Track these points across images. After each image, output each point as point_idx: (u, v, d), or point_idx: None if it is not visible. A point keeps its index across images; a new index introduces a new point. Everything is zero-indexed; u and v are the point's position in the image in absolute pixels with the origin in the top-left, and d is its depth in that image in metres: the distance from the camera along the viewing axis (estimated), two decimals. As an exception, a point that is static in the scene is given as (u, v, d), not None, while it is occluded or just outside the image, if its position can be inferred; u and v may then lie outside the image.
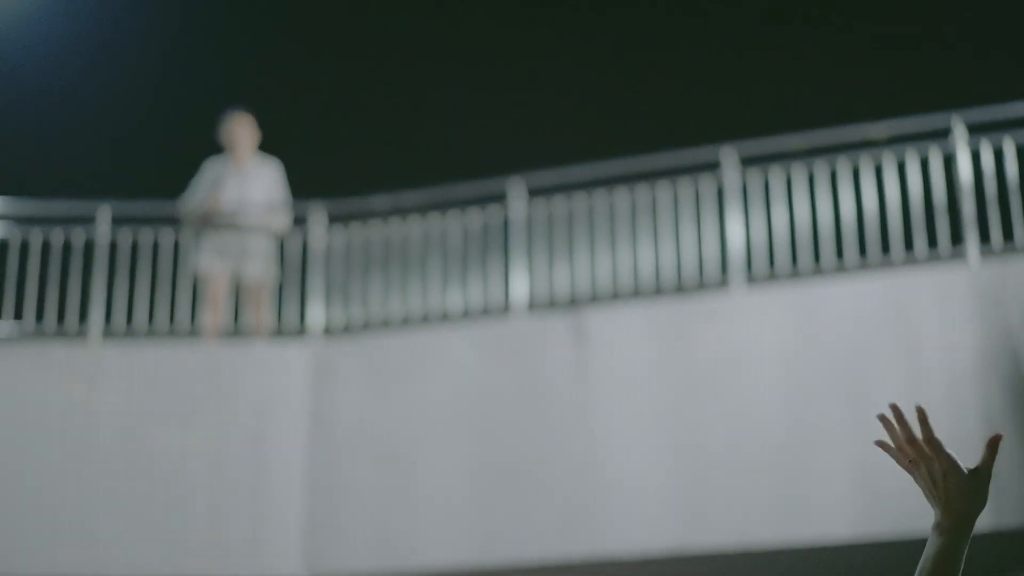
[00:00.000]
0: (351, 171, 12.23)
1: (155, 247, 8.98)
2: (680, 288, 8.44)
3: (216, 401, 8.44)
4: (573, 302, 8.57)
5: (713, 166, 8.52)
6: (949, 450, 1.97)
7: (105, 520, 8.12)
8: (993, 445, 1.96)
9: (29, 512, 8.13)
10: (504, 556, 7.85)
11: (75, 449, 8.25)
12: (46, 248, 8.90)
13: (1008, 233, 7.98)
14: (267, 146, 9.50)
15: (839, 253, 8.25)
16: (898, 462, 2.00)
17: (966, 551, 1.92)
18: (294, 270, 9.04)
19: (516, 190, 8.79)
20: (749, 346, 7.92)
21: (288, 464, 8.29)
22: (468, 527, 7.97)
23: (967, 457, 2.02)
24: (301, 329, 8.88)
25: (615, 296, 8.54)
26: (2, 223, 8.99)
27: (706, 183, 8.54)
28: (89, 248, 8.89)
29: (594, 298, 8.57)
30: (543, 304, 8.61)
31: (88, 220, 8.92)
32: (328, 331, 8.86)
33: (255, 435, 8.35)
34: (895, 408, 1.96)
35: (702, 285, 8.40)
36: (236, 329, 9.09)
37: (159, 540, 8.12)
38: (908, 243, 8.15)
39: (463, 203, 8.93)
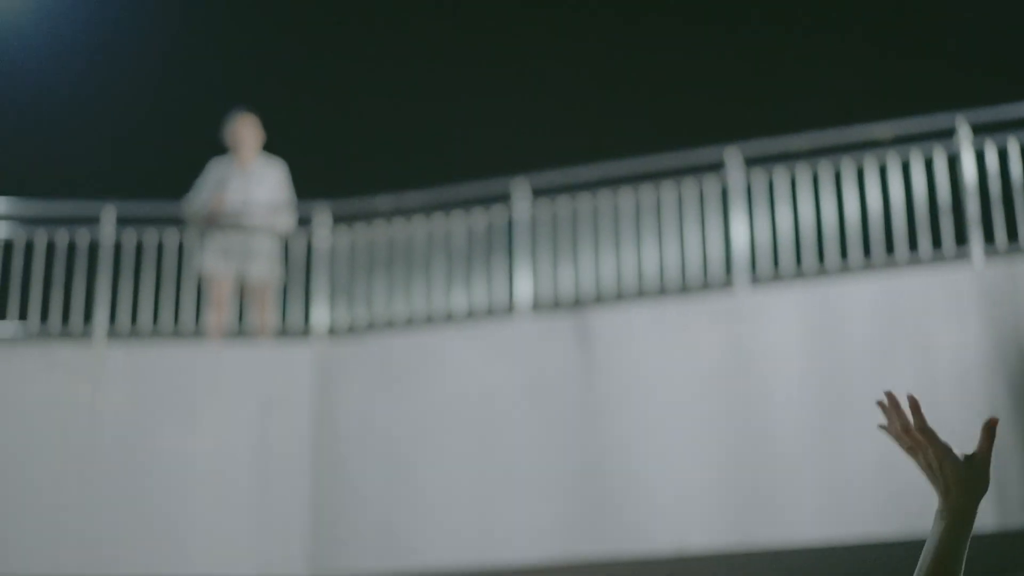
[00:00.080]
0: (355, 171, 12.24)
1: (159, 247, 8.99)
2: (684, 289, 8.44)
3: (220, 401, 8.45)
4: (577, 303, 8.57)
5: (717, 166, 8.52)
6: (943, 438, 1.99)
7: (109, 520, 8.13)
8: (989, 429, 1.98)
9: (33, 512, 8.14)
10: (507, 556, 7.85)
11: (79, 449, 8.26)
12: (51, 249, 8.90)
13: (1012, 233, 7.97)
14: (271, 146, 9.50)
15: (843, 253, 8.25)
16: (900, 446, 2.03)
17: (969, 536, 1.93)
18: (298, 270, 9.04)
19: (520, 190, 8.79)
20: (753, 346, 7.92)
21: (292, 464, 8.29)
22: (472, 527, 7.97)
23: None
24: (305, 330, 8.89)
25: (619, 297, 8.54)
26: (7, 224, 9.00)
27: (710, 183, 8.54)
28: (93, 248, 8.89)
29: (598, 299, 8.57)
30: (547, 305, 8.61)
31: (92, 221, 8.92)
32: (332, 332, 8.87)
33: (259, 435, 8.35)
34: (890, 396, 1.99)
35: (706, 286, 8.40)
36: (240, 329, 9.09)
37: (163, 540, 8.12)
38: (912, 243, 8.15)
39: (467, 203, 8.93)
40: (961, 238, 7.98)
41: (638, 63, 13.74)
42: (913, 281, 7.83)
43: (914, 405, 1.98)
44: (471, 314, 8.77)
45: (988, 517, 7.01)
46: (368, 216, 9.09)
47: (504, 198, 8.85)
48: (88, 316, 8.77)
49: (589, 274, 8.67)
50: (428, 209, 9.03)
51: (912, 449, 2.00)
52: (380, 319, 8.91)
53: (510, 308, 8.65)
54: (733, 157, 8.46)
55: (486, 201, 8.89)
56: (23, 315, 8.82)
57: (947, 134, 8.20)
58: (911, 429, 1.99)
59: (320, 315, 8.88)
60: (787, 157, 8.46)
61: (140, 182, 12.00)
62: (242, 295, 9.19)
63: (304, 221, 9.18)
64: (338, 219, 9.11)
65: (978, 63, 12.66)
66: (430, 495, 8.07)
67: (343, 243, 9.07)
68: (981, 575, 6.97)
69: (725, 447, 7.76)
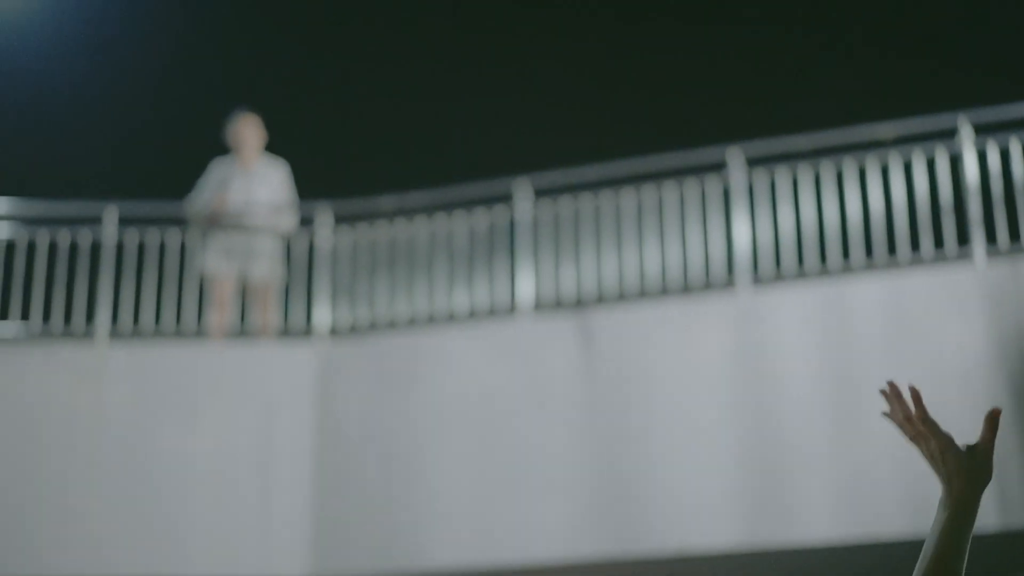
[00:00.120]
0: (357, 172, 12.24)
1: (162, 248, 8.99)
2: (686, 289, 8.44)
3: (222, 402, 8.45)
4: (579, 303, 8.57)
5: (719, 166, 8.52)
6: (945, 429, 1.99)
7: (111, 520, 8.13)
8: (992, 420, 1.99)
9: (35, 512, 8.14)
10: (510, 556, 7.85)
11: (82, 449, 8.26)
12: (53, 249, 8.91)
13: (1014, 233, 7.97)
14: (273, 147, 9.50)
15: (845, 254, 8.25)
16: (904, 435, 2.03)
17: (972, 526, 1.94)
18: (300, 271, 9.05)
19: (522, 191, 8.79)
20: (755, 347, 7.92)
21: (295, 464, 8.30)
22: (474, 527, 7.97)
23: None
24: (307, 330, 8.89)
25: (621, 297, 8.54)
26: (9, 224, 9.00)
27: (712, 184, 8.54)
28: (96, 249, 8.89)
29: (600, 299, 8.57)
30: (549, 305, 8.61)
31: (95, 221, 8.93)
32: (334, 332, 8.87)
33: (261, 435, 8.36)
34: (892, 385, 2.00)
35: (708, 286, 8.40)
36: (242, 330, 9.09)
37: (165, 540, 8.12)
38: (914, 243, 8.15)
39: (469, 204, 8.93)
40: (963, 238, 7.98)
41: (640, 63, 13.74)
42: (915, 281, 7.82)
43: (915, 396, 1.99)
44: (473, 314, 8.77)
45: (990, 517, 7.01)
46: (370, 216, 9.09)
47: (506, 198, 8.85)
48: (90, 316, 8.78)
49: (591, 274, 8.67)
50: (430, 209, 9.03)
51: (915, 438, 2.01)
52: (382, 319, 8.91)
53: (512, 308, 8.65)
54: (735, 157, 8.46)
55: (488, 201, 8.90)
56: (25, 315, 8.82)
57: (949, 134, 8.20)
58: (913, 419, 2.00)
59: (322, 315, 8.88)
60: (789, 157, 8.46)
61: (142, 182, 12.00)
62: (244, 295, 9.19)
63: (306, 221, 9.19)
64: (340, 219, 9.11)
65: (980, 63, 12.65)
66: (432, 495, 8.07)
67: (345, 243, 9.07)
68: (983, 575, 6.97)
69: (726, 447, 7.76)
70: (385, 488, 8.16)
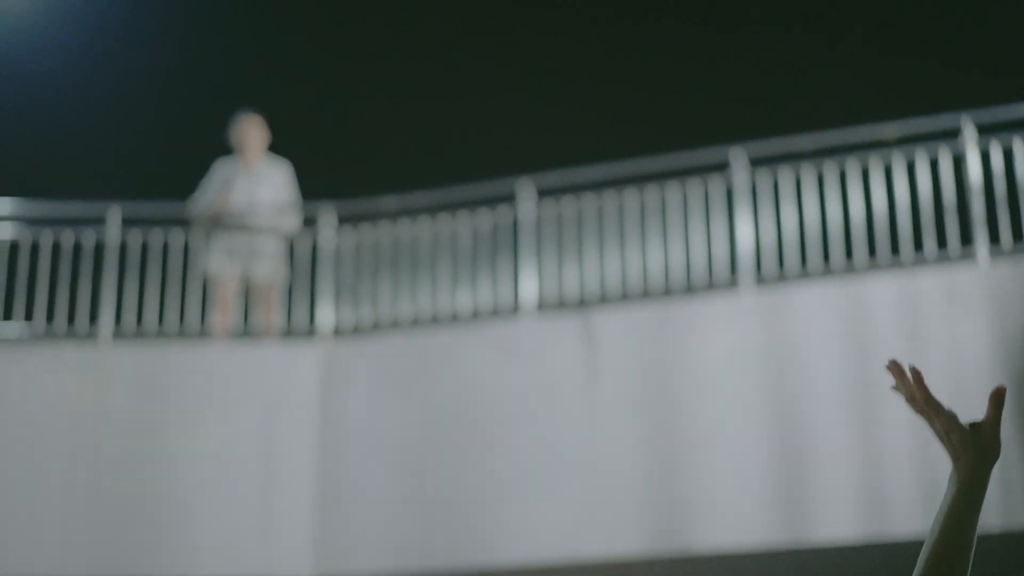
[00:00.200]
0: (361, 172, 12.25)
1: (165, 248, 9.00)
2: (689, 289, 8.44)
3: (226, 402, 8.46)
4: (582, 303, 8.57)
5: (722, 167, 8.52)
6: (949, 408, 2.01)
7: (114, 520, 8.14)
8: (996, 398, 2.00)
9: (39, 512, 8.15)
10: (513, 557, 7.86)
11: (85, 449, 8.27)
12: (56, 249, 8.92)
13: (1018, 233, 7.96)
14: (277, 147, 9.51)
15: (849, 254, 8.25)
16: (913, 410, 2.05)
17: (980, 504, 1.95)
18: (304, 271, 9.05)
19: (525, 191, 8.80)
20: (759, 347, 7.92)
21: (298, 465, 8.30)
22: (477, 528, 7.97)
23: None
24: (311, 330, 8.89)
25: (624, 297, 8.54)
26: (13, 224, 9.01)
27: (715, 184, 8.54)
28: (99, 249, 8.90)
29: (603, 299, 8.57)
30: (552, 305, 8.61)
31: (98, 221, 8.94)
32: (338, 332, 8.87)
33: (265, 436, 8.36)
34: (894, 363, 2.00)
35: (711, 286, 8.40)
36: (246, 330, 9.10)
37: (168, 540, 8.13)
38: (918, 243, 8.15)
39: (472, 204, 8.93)
40: (966, 238, 7.98)
41: (643, 63, 13.74)
42: (919, 281, 7.82)
43: (916, 377, 2.00)
44: (476, 314, 8.78)
45: (992, 518, 7.00)
46: (373, 216, 9.10)
47: (509, 198, 8.85)
48: (94, 316, 8.79)
49: (594, 274, 8.67)
50: (433, 209, 9.03)
51: (922, 415, 2.03)
52: (385, 319, 8.92)
53: (515, 308, 8.65)
54: (738, 157, 8.46)
55: (491, 201, 8.90)
56: (29, 315, 8.83)
57: (952, 134, 8.20)
58: (917, 399, 2.02)
59: (325, 315, 8.88)
60: (792, 157, 8.46)
61: (146, 183, 12.01)
62: (247, 295, 9.20)
63: (309, 221, 9.19)
64: (343, 219, 9.12)
65: (983, 63, 12.65)
66: (435, 495, 8.08)
67: (348, 243, 9.08)
68: None
69: (734, 446, 7.76)
70: (388, 488, 8.17)
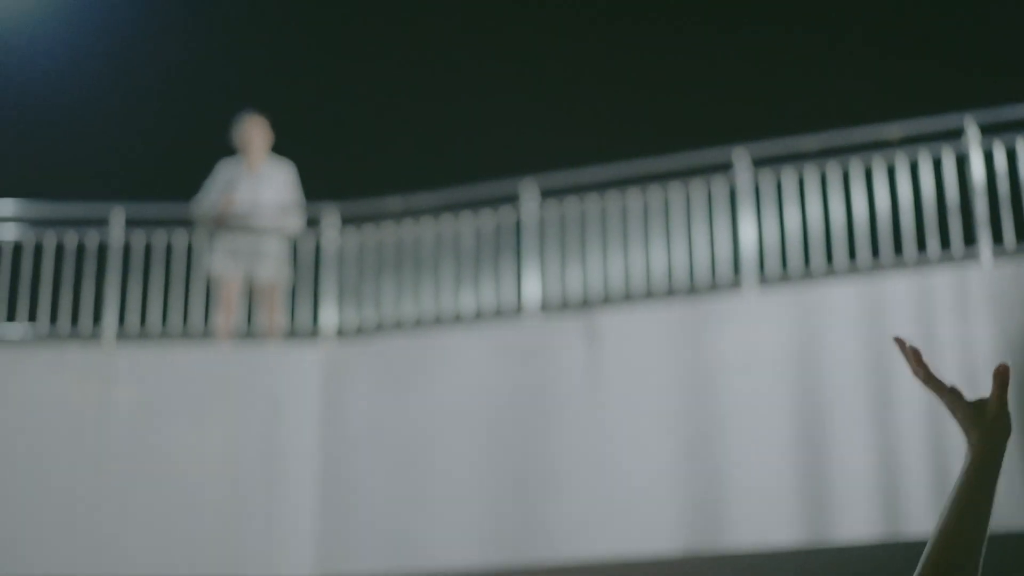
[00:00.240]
0: (364, 173, 12.25)
1: (168, 249, 9.00)
2: (693, 289, 8.44)
3: (229, 402, 8.46)
4: (585, 304, 8.57)
5: (725, 167, 8.52)
6: (952, 384, 2.01)
7: (118, 520, 8.14)
8: (999, 375, 2.00)
9: (42, 512, 8.16)
10: (515, 557, 7.86)
11: (89, 450, 8.27)
12: (60, 250, 8.92)
13: (1021, 233, 7.96)
14: (280, 148, 9.51)
15: (852, 254, 8.24)
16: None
17: (995, 481, 1.96)
18: (307, 272, 9.06)
19: (528, 191, 8.80)
20: (761, 347, 7.92)
21: (301, 465, 8.31)
22: (480, 528, 7.97)
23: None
24: (314, 331, 8.90)
25: (627, 297, 8.54)
26: (16, 225, 9.02)
27: (718, 184, 8.54)
28: (103, 250, 8.91)
29: (606, 299, 8.57)
30: (555, 306, 8.61)
31: (102, 222, 8.94)
32: (341, 333, 8.88)
33: (268, 436, 8.37)
34: (898, 341, 2.00)
35: (715, 286, 8.40)
36: (249, 331, 9.10)
37: (172, 540, 8.14)
38: (921, 244, 8.14)
39: (475, 204, 8.94)
40: (970, 238, 7.98)
41: (646, 64, 13.74)
42: (922, 281, 7.82)
43: (916, 357, 2.00)
44: (479, 315, 8.78)
45: (992, 518, 6.98)
46: (376, 217, 9.10)
47: (512, 199, 8.85)
48: (97, 318, 8.79)
49: (597, 275, 8.67)
50: (436, 210, 9.04)
51: (932, 391, 2.04)
52: (388, 320, 8.92)
53: (518, 309, 8.65)
54: (741, 158, 8.46)
55: (494, 202, 8.90)
56: (32, 317, 8.84)
57: (955, 134, 8.20)
58: (920, 375, 2.02)
59: (328, 316, 8.89)
60: (795, 158, 8.46)
61: (149, 184, 12.02)
62: (251, 296, 9.20)
63: (312, 222, 9.20)
64: (346, 220, 9.12)
65: (986, 63, 12.64)
66: (438, 496, 8.08)
67: (351, 244, 9.08)
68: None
69: (736, 447, 7.75)
70: (391, 489, 8.17)
